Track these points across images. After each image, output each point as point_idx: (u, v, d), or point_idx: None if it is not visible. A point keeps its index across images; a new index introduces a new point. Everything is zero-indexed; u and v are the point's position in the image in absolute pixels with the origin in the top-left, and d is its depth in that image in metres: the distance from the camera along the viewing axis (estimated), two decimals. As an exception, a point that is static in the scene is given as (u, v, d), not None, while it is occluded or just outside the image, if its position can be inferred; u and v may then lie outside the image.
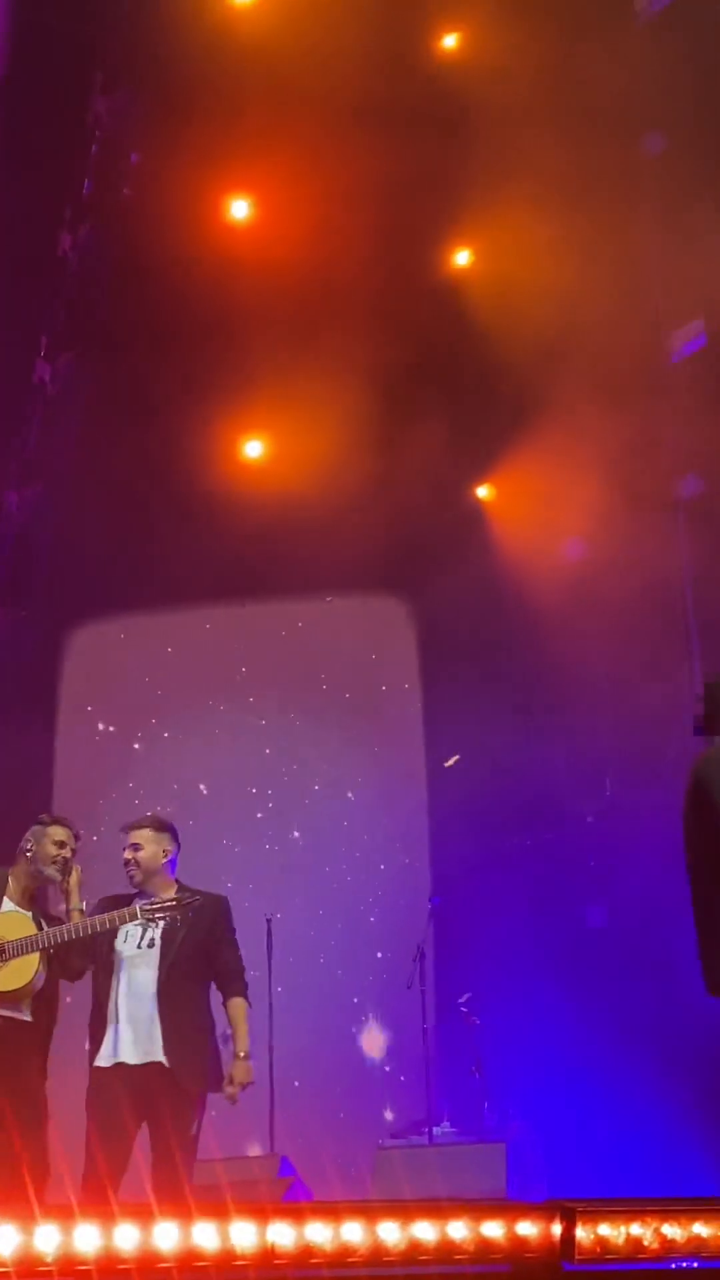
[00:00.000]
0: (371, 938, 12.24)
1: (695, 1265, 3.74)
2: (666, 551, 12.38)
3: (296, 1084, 11.70)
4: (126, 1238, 3.30)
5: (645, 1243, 3.64)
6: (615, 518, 11.82)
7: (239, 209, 12.74)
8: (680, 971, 10.86)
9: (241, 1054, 7.11)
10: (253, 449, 13.11)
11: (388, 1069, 12.08)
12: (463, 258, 13.01)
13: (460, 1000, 10.08)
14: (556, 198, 11.62)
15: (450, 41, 12.65)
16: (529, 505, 12.94)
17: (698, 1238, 3.66)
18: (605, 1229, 3.60)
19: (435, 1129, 9.39)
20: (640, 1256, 3.67)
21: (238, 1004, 7.23)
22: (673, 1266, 3.73)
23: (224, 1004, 7.26)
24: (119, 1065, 7.03)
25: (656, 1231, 3.65)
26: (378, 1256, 3.44)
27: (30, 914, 7.30)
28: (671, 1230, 3.66)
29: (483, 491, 13.37)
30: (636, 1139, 10.14)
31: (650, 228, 12.35)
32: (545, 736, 12.20)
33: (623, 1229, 3.60)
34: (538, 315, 11.94)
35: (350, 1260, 3.41)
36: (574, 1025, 10.92)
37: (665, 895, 11.18)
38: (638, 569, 11.73)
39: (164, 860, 7.37)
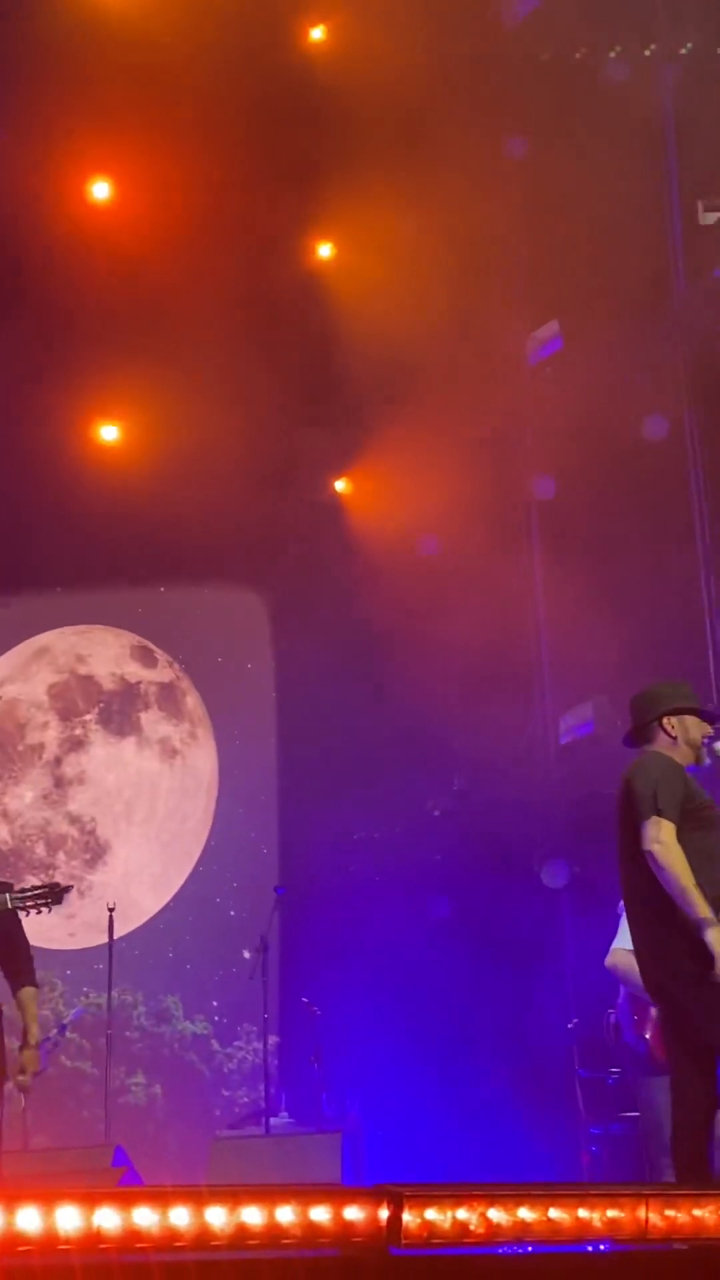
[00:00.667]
0: (225, 928, 12.18)
1: (530, 1250, 3.78)
2: (519, 551, 12.53)
3: (134, 1075, 11.63)
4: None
5: (471, 1227, 3.66)
6: (469, 516, 11.92)
7: (100, 190, 12.58)
8: (520, 965, 11.03)
9: (33, 1043, 7.03)
10: (109, 434, 12.96)
11: (228, 1060, 12.05)
12: (324, 250, 13.01)
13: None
14: (419, 196, 11.69)
15: (317, 34, 12.64)
16: (385, 500, 12.99)
17: (522, 1222, 3.69)
18: (432, 1214, 3.61)
19: (273, 1119, 9.40)
20: (467, 1241, 3.69)
21: (29, 993, 7.15)
22: (500, 1252, 3.76)
23: (14, 994, 7.18)
24: None
25: (483, 1216, 3.67)
26: (204, 1241, 3.41)
27: None
28: (498, 1215, 3.69)
29: (340, 485, 13.39)
30: (474, 1128, 10.24)
31: (511, 229, 12.48)
32: (396, 730, 12.26)
33: (449, 1214, 3.61)
34: (399, 311, 12.00)
35: (177, 1245, 3.38)
36: (416, 1017, 10.99)
37: (508, 890, 11.34)
38: (490, 567, 11.84)
39: None
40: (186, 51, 11.59)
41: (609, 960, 7.19)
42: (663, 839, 5.76)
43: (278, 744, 12.97)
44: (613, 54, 11.52)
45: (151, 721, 13.02)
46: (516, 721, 12.48)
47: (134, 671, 13.11)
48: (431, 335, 11.82)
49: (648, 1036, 6.97)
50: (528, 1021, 10.55)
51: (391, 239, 12.24)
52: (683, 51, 11.47)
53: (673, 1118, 5.91)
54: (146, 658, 13.15)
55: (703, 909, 5.65)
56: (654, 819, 5.79)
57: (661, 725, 6.12)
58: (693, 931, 5.66)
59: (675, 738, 6.07)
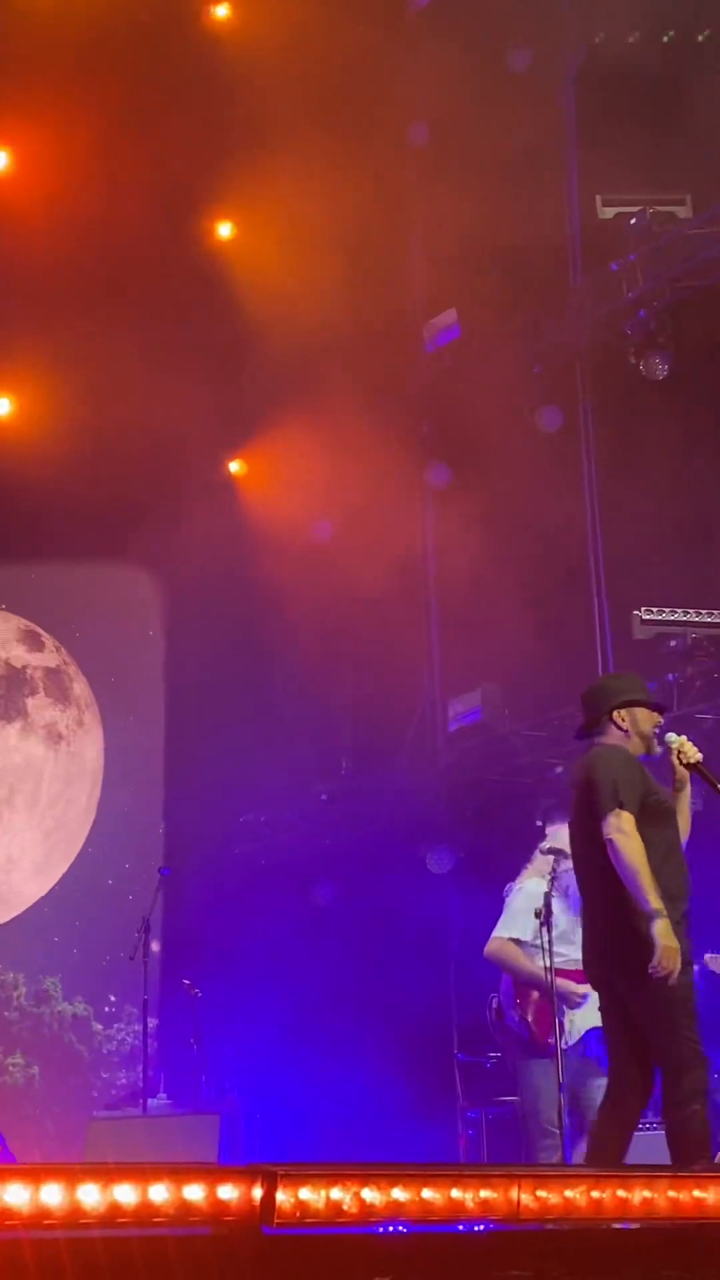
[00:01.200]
0: (117, 910, 12.06)
1: (404, 1229, 3.80)
2: (412, 538, 12.57)
3: (12, 1055, 11.52)
4: None
5: (345, 1207, 3.66)
6: (364, 502, 11.93)
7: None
8: (404, 950, 11.09)
9: None
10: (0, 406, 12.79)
11: (108, 1041, 11.98)
12: (225, 230, 12.93)
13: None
14: (321, 179, 11.65)
15: (222, 12, 12.55)
16: (280, 483, 12.96)
17: (396, 1202, 3.70)
18: (306, 1193, 3.61)
19: (151, 1101, 9.36)
20: (340, 1221, 3.69)
21: None
22: (378, 1231, 3.77)
23: None
24: None
25: (356, 1196, 3.68)
26: (75, 1219, 3.38)
27: None
28: (371, 1195, 3.70)
29: (235, 466, 13.34)
30: (354, 1111, 10.27)
31: (412, 216, 12.50)
32: (285, 714, 12.25)
33: (323, 1193, 3.62)
34: (298, 294, 11.97)
35: (47, 1223, 3.35)
36: (298, 1000, 11.00)
37: (393, 875, 11.39)
38: (383, 554, 11.86)
39: None
40: (89, 25, 11.44)
41: (488, 949, 7.26)
42: (624, 829, 5.87)
43: (166, 726, 12.90)
44: (516, 44, 11.53)
45: (38, 707, 12.87)
46: (406, 708, 12.53)
47: (19, 656, 12.96)
48: (331, 319, 11.81)
49: (529, 1020, 7.04)
50: (410, 1006, 10.60)
51: (292, 221, 12.21)
52: (596, 41, 11.54)
53: (601, 1108, 5.98)
54: (33, 641, 13.00)
55: (655, 901, 5.75)
56: (615, 811, 5.89)
57: (613, 718, 6.20)
58: (643, 925, 5.73)
59: (627, 730, 6.18)
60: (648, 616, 10.43)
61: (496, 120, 11.34)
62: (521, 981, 7.10)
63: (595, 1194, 3.94)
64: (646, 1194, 4.04)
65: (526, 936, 7.05)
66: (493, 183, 11.14)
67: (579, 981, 7.10)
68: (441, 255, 12.02)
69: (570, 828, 6.31)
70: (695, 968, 6.12)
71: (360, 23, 11.49)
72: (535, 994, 7.04)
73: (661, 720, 6.20)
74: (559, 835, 7.36)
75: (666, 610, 10.45)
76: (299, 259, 12.12)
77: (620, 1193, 3.98)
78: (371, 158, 11.74)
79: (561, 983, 7.02)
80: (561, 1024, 7.04)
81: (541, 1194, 3.86)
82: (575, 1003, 7.06)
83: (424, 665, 12.57)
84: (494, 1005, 7.30)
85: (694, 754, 6.11)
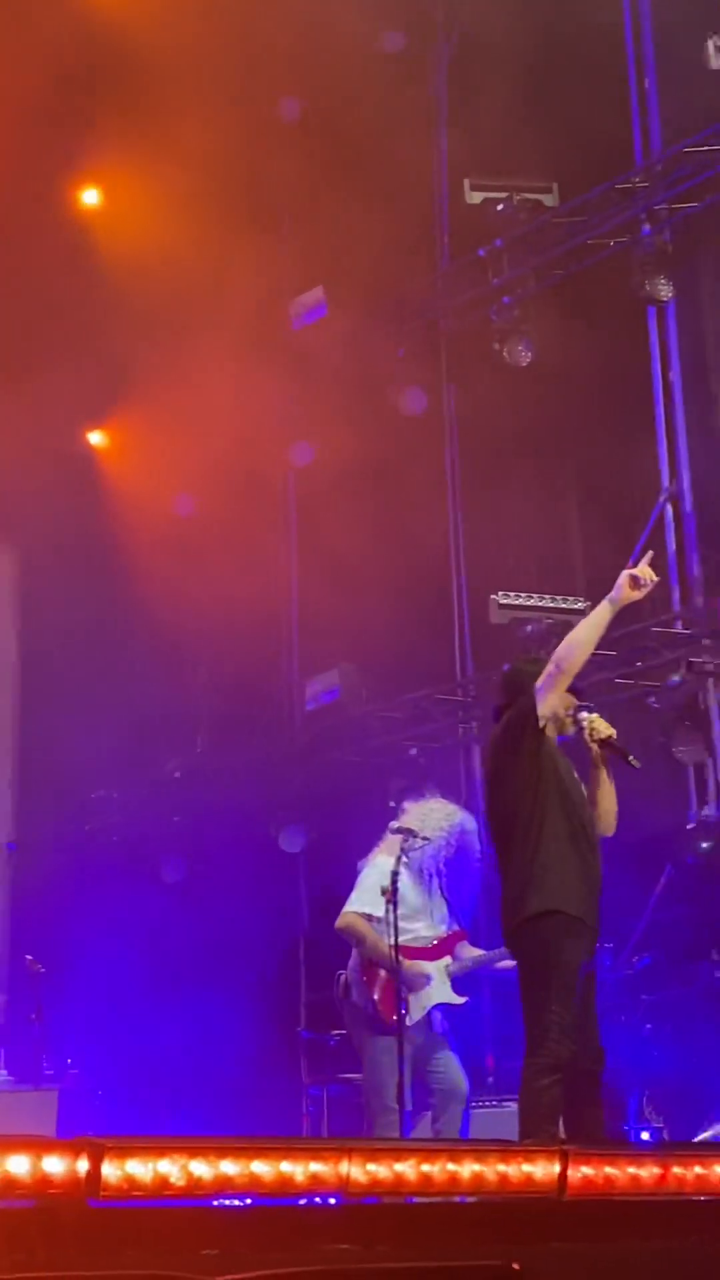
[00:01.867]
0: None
1: (234, 1203, 3.79)
2: (274, 515, 12.54)
3: None
4: None
5: (172, 1180, 3.64)
6: (226, 477, 11.87)
7: None
8: (253, 927, 11.09)
9: None
10: None
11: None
12: (90, 197, 12.74)
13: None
14: (191, 149, 11.53)
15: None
16: (141, 456, 12.84)
17: (225, 1176, 3.69)
18: (134, 1165, 3.58)
19: (-9, 1076, 9.24)
20: (168, 1193, 3.67)
21: None
22: (208, 1204, 3.76)
23: None
24: None
25: (185, 1169, 3.66)
26: None
27: None
28: (199, 1167, 3.68)
29: (95, 438, 13.18)
30: (199, 1088, 10.26)
31: (281, 193, 12.44)
32: (140, 689, 12.15)
33: (151, 1165, 3.59)
34: (164, 265, 11.84)
35: None
36: (145, 976, 10.94)
37: (244, 854, 11.38)
38: (244, 530, 11.82)
39: None
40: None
41: (339, 923, 7.27)
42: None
43: (18, 697, 12.70)
44: (389, 25, 11.54)
45: None
46: (263, 686, 12.52)
47: None
48: (196, 292, 11.71)
49: (376, 997, 7.07)
50: (258, 983, 10.60)
51: (160, 192, 12.07)
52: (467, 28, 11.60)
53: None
54: None
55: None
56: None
57: None
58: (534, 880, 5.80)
59: None
60: (505, 601, 10.53)
61: (368, 99, 11.34)
62: (368, 957, 7.14)
63: (425, 1168, 3.96)
64: (476, 1168, 4.08)
65: (378, 912, 7.07)
66: (362, 161, 11.14)
67: (428, 959, 7.16)
68: (310, 232, 11.98)
69: (486, 797, 6.30)
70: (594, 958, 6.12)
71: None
72: (382, 971, 7.08)
73: (577, 702, 6.19)
74: (410, 815, 7.40)
75: (523, 595, 10.57)
76: (165, 229, 11.99)
77: (450, 1166, 4.01)
78: (242, 131, 11.65)
79: (409, 964, 7.07)
80: (407, 999, 7.09)
81: (371, 1168, 3.87)
82: (420, 985, 7.11)
83: (283, 643, 12.56)
84: (341, 982, 7.32)
85: (606, 730, 6.10)
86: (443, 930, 7.26)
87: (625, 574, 5.99)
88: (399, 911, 7.06)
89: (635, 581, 5.97)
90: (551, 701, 5.98)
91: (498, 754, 6.14)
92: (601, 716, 6.11)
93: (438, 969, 7.18)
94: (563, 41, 10.87)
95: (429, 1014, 7.14)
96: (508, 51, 11.22)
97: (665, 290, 10.12)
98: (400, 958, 7.00)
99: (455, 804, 7.60)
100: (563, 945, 5.80)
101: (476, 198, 11.06)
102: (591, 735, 6.08)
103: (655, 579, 6.05)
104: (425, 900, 7.25)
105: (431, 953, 7.21)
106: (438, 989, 7.16)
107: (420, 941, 7.18)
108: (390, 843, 7.28)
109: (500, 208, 10.90)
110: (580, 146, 10.80)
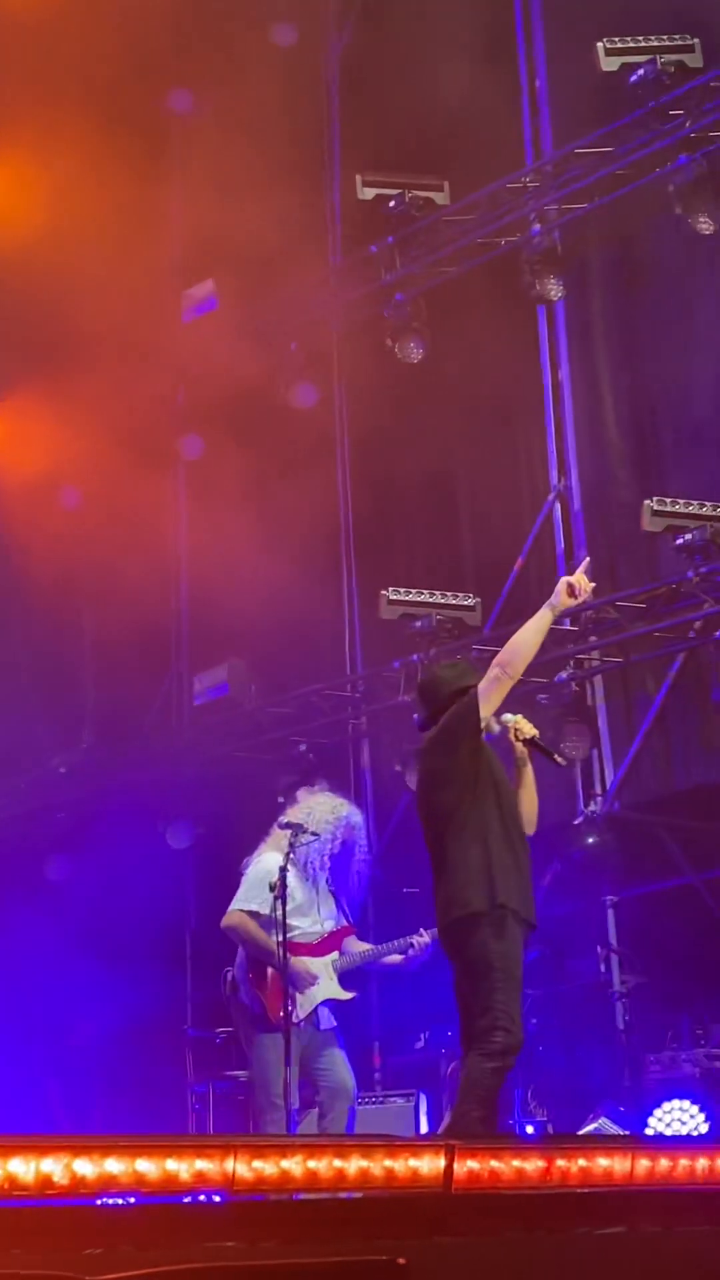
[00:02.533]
0: None
1: (120, 1201, 3.76)
2: (163, 508, 12.46)
3: None
4: None
5: (56, 1179, 3.62)
6: (115, 469, 11.77)
7: None
8: (138, 925, 11.01)
9: None
10: None
11: None
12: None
13: None
14: (81, 138, 11.41)
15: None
16: (26, 448, 12.68)
17: (109, 1174, 3.67)
18: (16, 1165, 3.56)
19: None
20: (50, 1192, 3.65)
21: None
22: (92, 1203, 3.73)
23: None
24: None
25: (68, 1167, 3.64)
26: None
27: None
28: (84, 1166, 3.66)
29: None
30: (85, 1085, 10.19)
31: (173, 182, 12.37)
32: (23, 683, 12.01)
33: (34, 1165, 3.57)
34: (51, 257, 11.70)
35: None
36: (29, 974, 10.83)
37: (131, 850, 11.30)
38: (134, 523, 11.73)
39: None
40: None
41: (225, 921, 7.24)
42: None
43: None
44: (282, 17, 11.53)
45: None
46: (151, 681, 12.43)
47: None
48: (84, 284, 11.58)
49: (263, 995, 7.06)
50: (144, 981, 10.53)
51: (46, 182, 11.93)
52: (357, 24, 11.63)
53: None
54: None
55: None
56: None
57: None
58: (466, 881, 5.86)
59: None
60: (394, 597, 10.58)
61: (260, 91, 11.30)
62: (255, 955, 7.12)
63: (312, 1164, 3.97)
64: (363, 1164, 4.10)
65: (264, 909, 7.05)
66: (254, 154, 11.10)
67: (315, 955, 7.16)
68: (200, 223, 11.92)
69: (420, 798, 6.31)
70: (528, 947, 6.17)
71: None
72: (269, 968, 7.06)
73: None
74: (298, 807, 7.40)
75: (413, 591, 10.62)
76: (51, 221, 11.86)
77: (337, 1162, 4.02)
78: (132, 121, 11.55)
79: (296, 961, 7.07)
80: (294, 997, 7.08)
81: (257, 1164, 3.87)
82: (307, 983, 7.12)
83: (171, 638, 12.49)
84: (229, 979, 7.29)
85: (530, 730, 6.18)
86: (329, 926, 7.26)
87: (563, 581, 6.10)
88: (286, 907, 7.08)
89: (571, 589, 6.07)
90: (494, 703, 6.05)
91: (435, 755, 6.17)
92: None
93: (325, 965, 7.18)
94: (456, 40, 10.92)
95: (316, 1010, 7.13)
96: (400, 48, 11.26)
97: (555, 290, 10.21)
98: (287, 955, 7.00)
99: (343, 798, 7.61)
100: (499, 937, 5.87)
101: (369, 194, 11.06)
102: (516, 735, 6.18)
103: (591, 586, 6.16)
104: (311, 896, 7.24)
105: (318, 948, 7.20)
106: (325, 985, 7.16)
107: (307, 938, 7.18)
108: (277, 838, 7.26)
109: (392, 204, 10.92)
110: (472, 146, 10.85)
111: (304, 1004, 7.09)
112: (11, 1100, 9.63)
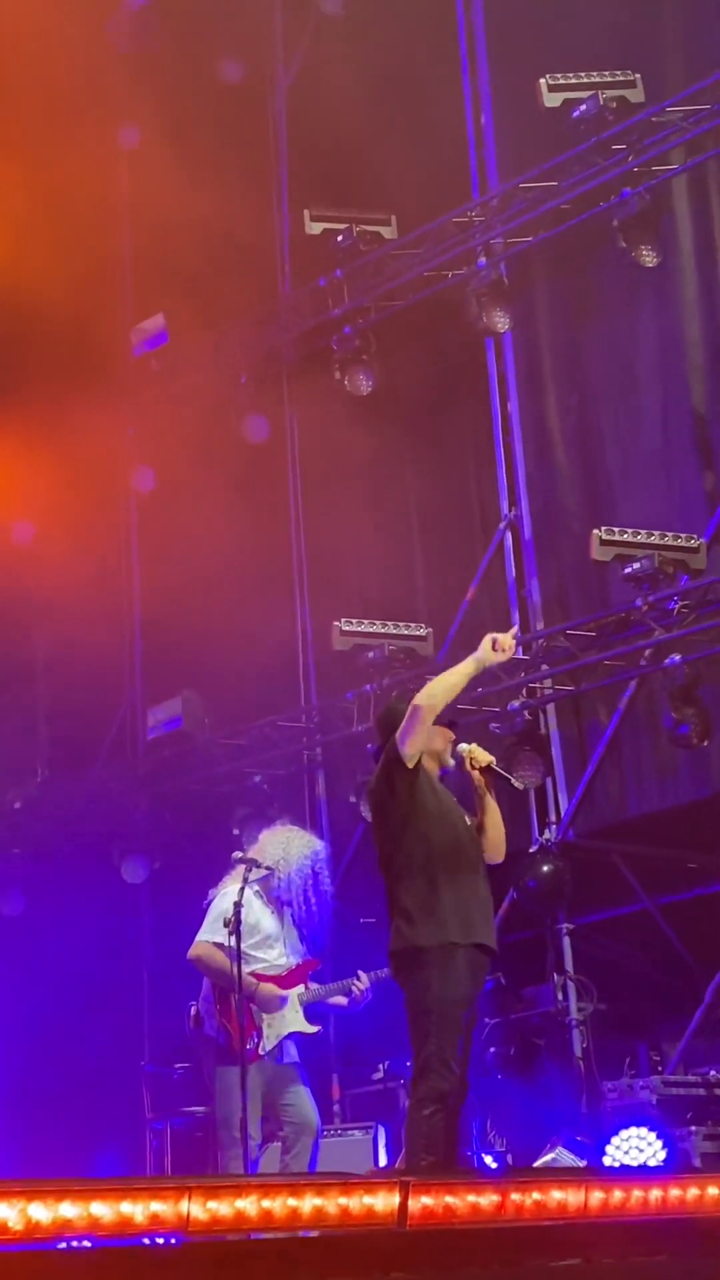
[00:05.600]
0: None
1: (75, 1245, 3.75)
2: (116, 542, 12.46)
3: None
4: None
5: (10, 1224, 3.61)
6: (67, 504, 11.77)
7: None
8: (94, 960, 10.97)
9: None
10: None
11: None
12: None
13: None
14: (30, 175, 11.45)
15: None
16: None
17: (63, 1218, 3.67)
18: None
19: None
20: (4, 1238, 3.64)
21: None
22: (48, 1247, 3.72)
23: None
24: None
25: (22, 1212, 3.64)
26: None
27: None
28: (38, 1211, 3.66)
29: None
30: (39, 1124, 10.11)
31: (122, 218, 12.41)
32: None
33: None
34: (3, 293, 11.73)
35: None
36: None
37: (86, 885, 11.26)
38: (87, 556, 11.72)
39: None
40: None
41: (191, 953, 7.23)
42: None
43: None
44: (228, 55, 11.61)
45: None
46: (105, 714, 12.41)
47: None
48: (35, 318, 11.60)
49: (227, 1026, 7.05)
50: (100, 1016, 10.50)
51: (-3, 216, 11.96)
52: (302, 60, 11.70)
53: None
54: None
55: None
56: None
57: None
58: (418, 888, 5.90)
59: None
60: (347, 628, 10.62)
61: (208, 128, 11.37)
62: (220, 987, 7.12)
63: (266, 1204, 3.98)
64: (317, 1202, 4.11)
65: (229, 942, 7.02)
66: (203, 189, 11.16)
67: (284, 987, 7.17)
68: (149, 259, 11.96)
69: (373, 834, 6.33)
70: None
71: (70, 22, 11.34)
72: (233, 1000, 7.06)
73: (454, 735, 6.26)
74: (266, 844, 7.40)
75: (365, 622, 10.66)
76: (3, 255, 11.87)
77: (291, 1201, 4.04)
78: (78, 155, 11.58)
79: (264, 987, 7.08)
80: (260, 1030, 7.08)
81: (212, 1205, 3.88)
82: (275, 1007, 7.12)
83: (125, 671, 12.47)
84: (193, 1013, 7.28)
85: (485, 758, 6.22)
86: (295, 959, 7.27)
87: (488, 637, 6.14)
88: (251, 940, 7.09)
89: (495, 644, 6.10)
90: (416, 743, 6.06)
91: (376, 793, 6.22)
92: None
93: (290, 997, 7.19)
94: (401, 76, 11.02)
95: (281, 1044, 7.14)
96: (346, 84, 11.35)
97: (502, 322, 10.29)
98: (254, 981, 7.01)
99: (305, 831, 7.62)
100: (442, 978, 5.87)
101: (316, 228, 11.14)
102: (472, 764, 6.20)
103: (512, 646, 6.17)
104: (278, 929, 7.25)
105: (284, 981, 7.20)
106: (291, 1018, 7.17)
107: (273, 970, 7.18)
108: (239, 871, 7.27)
109: (340, 239, 11.00)
110: (419, 180, 10.94)
111: (270, 1036, 7.09)
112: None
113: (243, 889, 7.07)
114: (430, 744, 6.14)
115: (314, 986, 7.28)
